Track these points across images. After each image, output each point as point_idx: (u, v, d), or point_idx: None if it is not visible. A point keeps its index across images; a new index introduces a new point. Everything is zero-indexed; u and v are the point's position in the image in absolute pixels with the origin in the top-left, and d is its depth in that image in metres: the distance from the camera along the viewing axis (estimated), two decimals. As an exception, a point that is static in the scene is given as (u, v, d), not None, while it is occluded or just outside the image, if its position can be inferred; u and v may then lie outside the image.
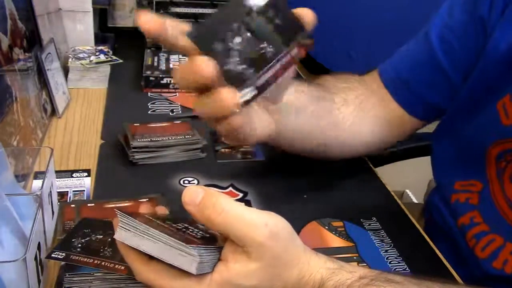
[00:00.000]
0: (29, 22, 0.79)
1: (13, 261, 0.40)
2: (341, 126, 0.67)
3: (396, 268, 0.57)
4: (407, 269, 0.57)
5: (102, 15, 1.24)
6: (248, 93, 0.40)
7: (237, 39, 0.39)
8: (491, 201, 0.62)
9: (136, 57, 1.12)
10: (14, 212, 0.46)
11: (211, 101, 0.41)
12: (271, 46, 0.41)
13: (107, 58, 1.03)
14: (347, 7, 1.56)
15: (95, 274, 0.50)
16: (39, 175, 0.67)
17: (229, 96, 0.39)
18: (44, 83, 0.83)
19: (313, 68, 1.61)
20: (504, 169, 0.61)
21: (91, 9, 1.07)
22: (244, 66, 0.39)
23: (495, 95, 0.59)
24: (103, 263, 0.47)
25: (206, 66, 0.38)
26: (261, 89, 0.41)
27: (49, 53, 0.86)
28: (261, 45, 0.40)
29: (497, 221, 0.61)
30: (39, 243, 0.46)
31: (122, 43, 1.19)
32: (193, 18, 1.16)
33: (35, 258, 0.44)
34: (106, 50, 1.06)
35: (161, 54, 1.10)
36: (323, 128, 0.65)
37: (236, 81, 0.40)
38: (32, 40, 0.80)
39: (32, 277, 0.43)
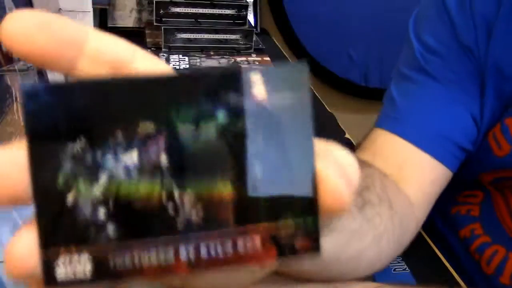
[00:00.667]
0: (29, 22, 0.79)
1: (13, 261, 0.40)
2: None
3: (396, 268, 0.57)
4: (407, 269, 0.57)
5: (102, 15, 1.24)
6: (72, 262, 0.16)
7: (132, 155, 0.17)
8: (493, 210, 0.62)
9: (136, 57, 1.12)
10: (14, 212, 0.46)
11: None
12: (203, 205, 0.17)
13: (107, 58, 1.03)
14: (347, 6, 1.56)
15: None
16: (39, 175, 0.67)
17: (21, 250, 0.16)
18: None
19: (311, 67, 1.61)
20: (502, 189, 0.60)
21: (91, 9, 1.07)
22: (102, 212, 0.16)
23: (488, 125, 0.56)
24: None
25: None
26: (114, 274, 0.17)
27: (49, 53, 0.86)
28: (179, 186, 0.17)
29: (498, 231, 0.60)
30: (39, 243, 0.46)
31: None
32: (193, 18, 1.16)
33: (35, 258, 0.44)
34: (106, 50, 1.06)
35: (161, 54, 1.10)
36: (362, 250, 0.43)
37: (61, 231, 0.16)
38: (32, 40, 0.80)
39: (32, 277, 0.43)
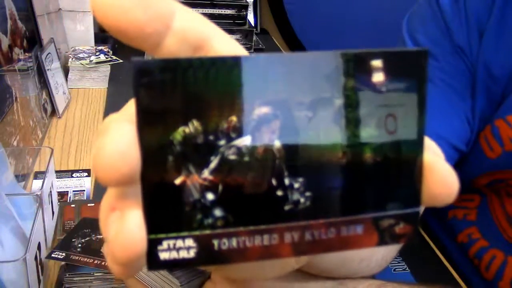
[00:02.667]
0: (29, 22, 0.79)
1: (13, 261, 0.40)
2: None
3: (396, 268, 0.57)
4: (407, 269, 0.57)
5: (102, 15, 1.24)
6: (177, 246, 0.16)
7: (245, 140, 0.16)
8: (489, 214, 0.61)
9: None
10: (14, 212, 0.46)
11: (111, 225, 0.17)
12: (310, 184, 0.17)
13: (107, 58, 1.03)
14: (347, 6, 1.56)
15: (95, 274, 0.50)
16: (39, 175, 0.67)
17: (132, 235, 0.16)
18: (44, 83, 0.83)
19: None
20: (498, 190, 0.60)
21: (91, 9, 1.07)
22: (210, 197, 0.16)
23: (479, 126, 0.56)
24: (103, 263, 0.47)
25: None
26: (218, 257, 0.17)
27: (49, 53, 0.86)
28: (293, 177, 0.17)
29: (495, 235, 0.60)
30: (39, 243, 0.46)
31: (122, 43, 1.19)
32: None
33: (35, 258, 0.44)
34: (106, 50, 1.06)
35: (161, 54, 1.10)
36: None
37: (167, 214, 0.16)
38: (32, 40, 0.80)
39: (32, 277, 0.43)
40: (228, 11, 1.18)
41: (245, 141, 0.16)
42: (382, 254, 0.46)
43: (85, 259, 0.47)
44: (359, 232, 0.18)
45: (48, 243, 0.52)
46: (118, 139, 0.15)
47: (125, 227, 0.16)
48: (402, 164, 0.18)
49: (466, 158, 0.59)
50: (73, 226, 0.55)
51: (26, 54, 0.76)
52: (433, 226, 0.71)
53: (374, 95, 0.17)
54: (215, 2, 1.16)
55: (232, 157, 0.16)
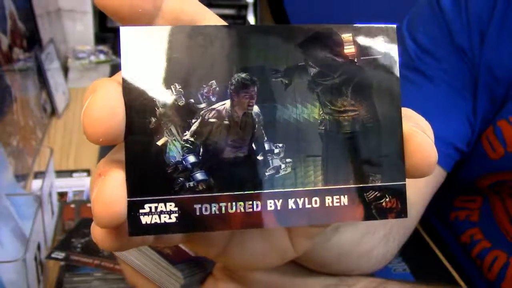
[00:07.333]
0: (29, 22, 0.79)
1: (13, 261, 0.40)
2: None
3: (396, 268, 0.57)
4: (407, 269, 0.57)
5: (102, 15, 1.24)
6: (158, 209, 0.16)
7: (225, 104, 0.17)
8: (492, 215, 0.61)
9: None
10: (14, 212, 0.46)
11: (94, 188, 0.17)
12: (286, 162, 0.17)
13: (106, 58, 1.03)
14: (347, 6, 1.56)
15: (95, 274, 0.50)
16: (39, 175, 0.67)
17: (112, 194, 0.16)
18: (43, 83, 0.83)
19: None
20: (500, 191, 0.60)
21: (90, 9, 1.07)
22: (191, 159, 0.16)
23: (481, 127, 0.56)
24: (103, 263, 0.47)
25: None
26: (199, 223, 0.16)
27: (49, 53, 0.86)
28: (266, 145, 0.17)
29: (497, 235, 0.60)
30: (38, 243, 0.46)
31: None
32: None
33: (35, 258, 0.44)
34: (106, 50, 1.06)
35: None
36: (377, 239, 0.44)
37: (149, 176, 0.16)
38: (32, 40, 0.80)
39: (32, 277, 0.42)
40: (228, 11, 1.18)
41: (224, 104, 0.17)
42: (383, 252, 0.46)
43: (85, 259, 0.47)
44: (344, 203, 0.18)
45: (48, 243, 0.52)
46: (106, 96, 0.16)
47: (105, 187, 0.16)
48: (382, 135, 0.18)
49: (468, 159, 0.58)
50: (73, 226, 0.55)
51: (26, 54, 0.76)
52: (436, 226, 0.71)
53: (348, 66, 0.18)
54: (213, 3, 1.16)
55: (212, 119, 0.17)
